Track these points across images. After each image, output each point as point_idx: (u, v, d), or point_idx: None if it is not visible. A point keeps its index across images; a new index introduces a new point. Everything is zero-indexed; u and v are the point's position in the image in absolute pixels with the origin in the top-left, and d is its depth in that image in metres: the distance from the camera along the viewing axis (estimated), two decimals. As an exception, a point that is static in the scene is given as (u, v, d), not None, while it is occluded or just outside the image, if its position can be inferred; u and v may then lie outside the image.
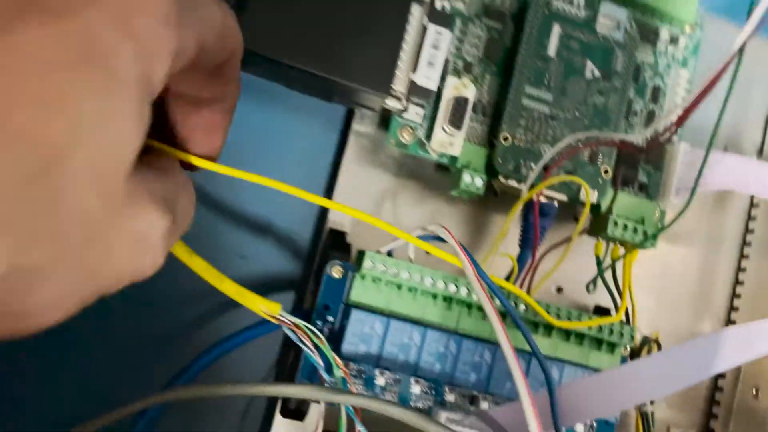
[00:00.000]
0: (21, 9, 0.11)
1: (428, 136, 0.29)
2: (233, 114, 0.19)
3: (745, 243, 0.36)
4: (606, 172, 0.29)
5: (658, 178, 0.31)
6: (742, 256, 0.36)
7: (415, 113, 0.28)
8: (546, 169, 0.28)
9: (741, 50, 0.24)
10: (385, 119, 0.31)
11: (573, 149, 0.28)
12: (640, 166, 0.31)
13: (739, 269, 0.36)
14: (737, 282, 0.36)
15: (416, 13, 0.28)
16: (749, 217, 0.36)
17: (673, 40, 0.32)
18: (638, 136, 0.26)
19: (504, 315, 0.28)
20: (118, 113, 0.12)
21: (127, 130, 0.13)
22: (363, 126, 0.31)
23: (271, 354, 0.30)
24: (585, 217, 0.28)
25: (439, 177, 0.32)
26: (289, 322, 0.22)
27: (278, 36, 0.25)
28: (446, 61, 0.29)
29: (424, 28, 0.28)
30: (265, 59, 0.25)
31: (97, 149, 0.12)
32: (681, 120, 0.25)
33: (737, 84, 0.37)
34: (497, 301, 0.24)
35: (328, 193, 0.31)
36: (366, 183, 0.32)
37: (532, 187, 0.28)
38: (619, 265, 0.30)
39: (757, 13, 0.23)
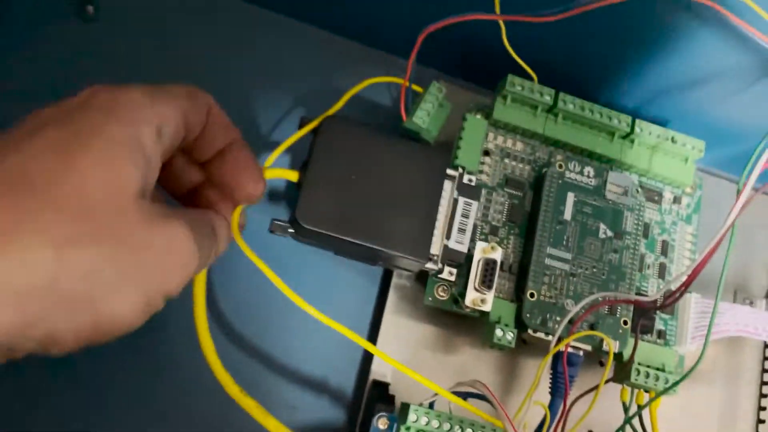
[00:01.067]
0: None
1: (462, 293, 0.32)
2: (249, 149, 0.27)
3: (763, 382, 0.38)
4: (625, 323, 0.32)
5: (675, 325, 0.34)
6: (761, 395, 0.37)
7: (449, 273, 0.32)
8: (571, 322, 0.31)
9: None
10: (421, 273, 0.34)
11: (594, 305, 0.31)
12: (657, 316, 0.34)
13: (760, 408, 0.37)
14: (759, 421, 0.37)
15: (448, 187, 0.32)
16: (765, 357, 0.38)
17: (676, 200, 0.36)
18: (652, 296, 0.29)
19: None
20: (117, 158, 0.19)
21: (125, 168, 0.19)
22: (402, 280, 0.35)
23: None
24: (609, 368, 0.31)
25: (467, 325, 0.34)
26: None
27: (329, 213, 0.29)
28: (475, 227, 0.33)
29: (455, 200, 0.32)
30: (318, 233, 0.29)
31: (106, 177, 0.19)
32: (689, 281, 0.28)
33: (742, 232, 0.41)
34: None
35: (371, 341, 0.34)
36: (406, 332, 0.34)
37: (559, 339, 0.31)
38: (645, 410, 0.32)
39: (746, 191, 0.27)
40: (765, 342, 0.38)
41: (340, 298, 0.36)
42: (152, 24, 0.36)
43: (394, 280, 0.35)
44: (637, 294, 0.34)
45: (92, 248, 0.18)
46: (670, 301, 0.29)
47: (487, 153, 0.34)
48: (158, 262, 0.20)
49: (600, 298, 0.31)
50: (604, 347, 0.32)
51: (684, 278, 0.28)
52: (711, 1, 0.27)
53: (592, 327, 0.32)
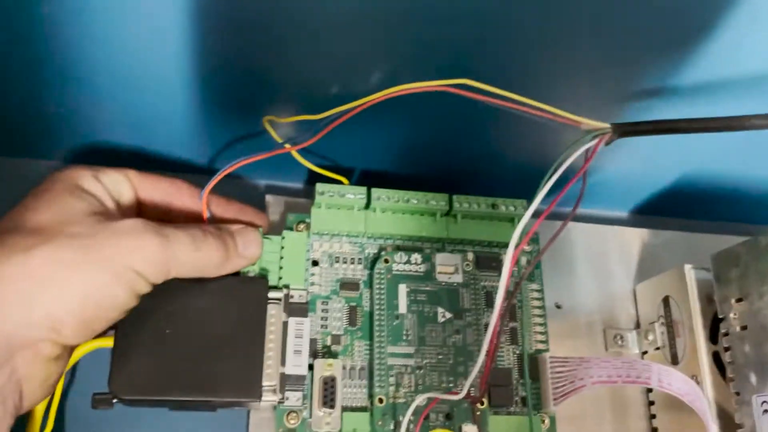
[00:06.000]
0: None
1: (312, 414, 0.31)
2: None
3: (651, 415, 0.37)
4: (482, 403, 0.32)
5: (539, 388, 0.34)
6: (653, 429, 0.37)
7: (294, 399, 0.31)
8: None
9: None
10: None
11: (433, 401, 0.30)
12: (518, 382, 0.34)
13: (656, 443, 0.37)
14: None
15: (275, 311, 0.32)
16: (648, 389, 0.38)
17: (517, 262, 0.36)
18: (462, 392, 0.29)
19: None
20: (59, 197, 0.27)
21: (66, 200, 0.27)
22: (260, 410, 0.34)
23: None
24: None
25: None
26: None
27: (146, 376, 0.28)
28: (314, 341, 0.33)
29: (285, 323, 0.31)
30: (141, 400, 0.28)
31: (52, 211, 0.26)
32: (485, 377, 0.28)
33: (600, 266, 0.41)
34: None
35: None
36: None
37: (415, 438, 0.30)
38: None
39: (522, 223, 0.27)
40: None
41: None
42: None
43: (253, 411, 0.34)
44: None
45: (45, 244, 0.24)
46: (481, 391, 0.29)
47: (315, 263, 0.34)
48: (109, 242, 0.25)
49: (427, 401, 0.31)
50: (465, 433, 0.31)
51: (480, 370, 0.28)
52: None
53: (447, 416, 0.31)
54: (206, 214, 0.30)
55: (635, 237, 0.42)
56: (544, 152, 0.37)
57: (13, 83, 0.31)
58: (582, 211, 0.43)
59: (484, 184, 0.39)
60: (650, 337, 0.38)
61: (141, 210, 0.30)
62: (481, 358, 0.27)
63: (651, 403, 0.38)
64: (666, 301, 0.37)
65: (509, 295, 0.31)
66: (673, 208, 0.45)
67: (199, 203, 0.31)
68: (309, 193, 0.39)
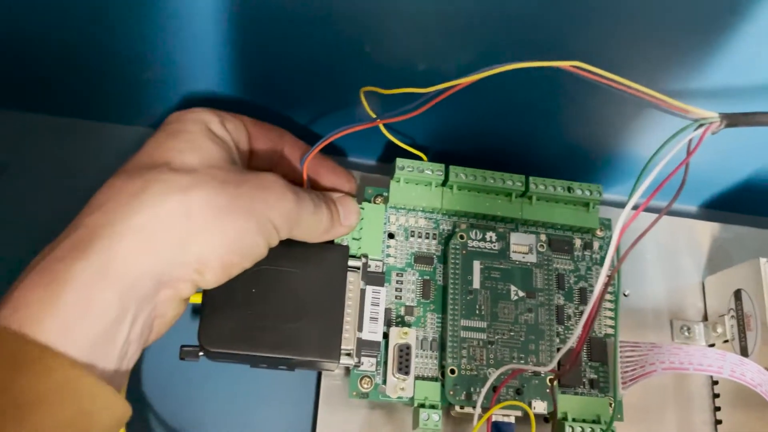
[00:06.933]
0: None
1: (385, 380, 0.32)
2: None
3: (716, 407, 0.37)
4: (551, 381, 0.32)
5: (606, 372, 0.34)
6: (716, 421, 0.37)
7: (369, 364, 0.32)
8: (495, 389, 0.31)
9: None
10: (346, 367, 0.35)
11: (511, 374, 0.31)
12: (587, 365, 0.34)
13: (719, 434, 0.37)
14: (720, 447, 0.37)
15: (353, 278, 0.33)
16: (713, 381, 0.38)
17: (587, 246, 0.37)
18: (550, 365, 0.29)
19: None
20: (198, 139, 0.27)
21: (205, 144, 0.27)
22: (333, 374, 0.35)
23: None
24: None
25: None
26: None
27: (233, 331, 0.30)
28: (389, 311, 0.33)
29: (363, 291, 0.32)
30: (227, 354, 0.29)
31: (195, 153, 0.26)
32: (579, 345, 0.29)
33: (669, 258, 0.41)
34: None
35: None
36: (343, 426, 0.34)
37: (486, 409, 0.31)
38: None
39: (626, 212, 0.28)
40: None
41: (279, 401, 0.35)
42: (59, 173, 0.37)
43: (325, 375, 0.35)
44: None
45: (202, 187, 0.24)
46: (567, 369, 0.29)
47: (391, 236, 0.35)
48: (255, 193, 0.25)
49: (507, 372, 0.31)
50: (534, 409, 0.32)
51: (574, 344, 0.29)
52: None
53: (518, 391, 0.32)
54: (306, 182, 0.31)
55: (705, 230, 0.42)
56: (624, 140, 0.37)
57: (111, 53, 0.33)
58: (651, 203, 0.43)
59: (555, 168, 0.39)
60: (719, 330, 0.38)
61: (250, 157, 0.31)
62: (576, 334, 0.27)
63: (716, 395, 0.38)
64: (738, 294, 0.37)
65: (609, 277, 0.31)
66: (744, 203, 0.44)
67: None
68: (382, 170, 0.40)
